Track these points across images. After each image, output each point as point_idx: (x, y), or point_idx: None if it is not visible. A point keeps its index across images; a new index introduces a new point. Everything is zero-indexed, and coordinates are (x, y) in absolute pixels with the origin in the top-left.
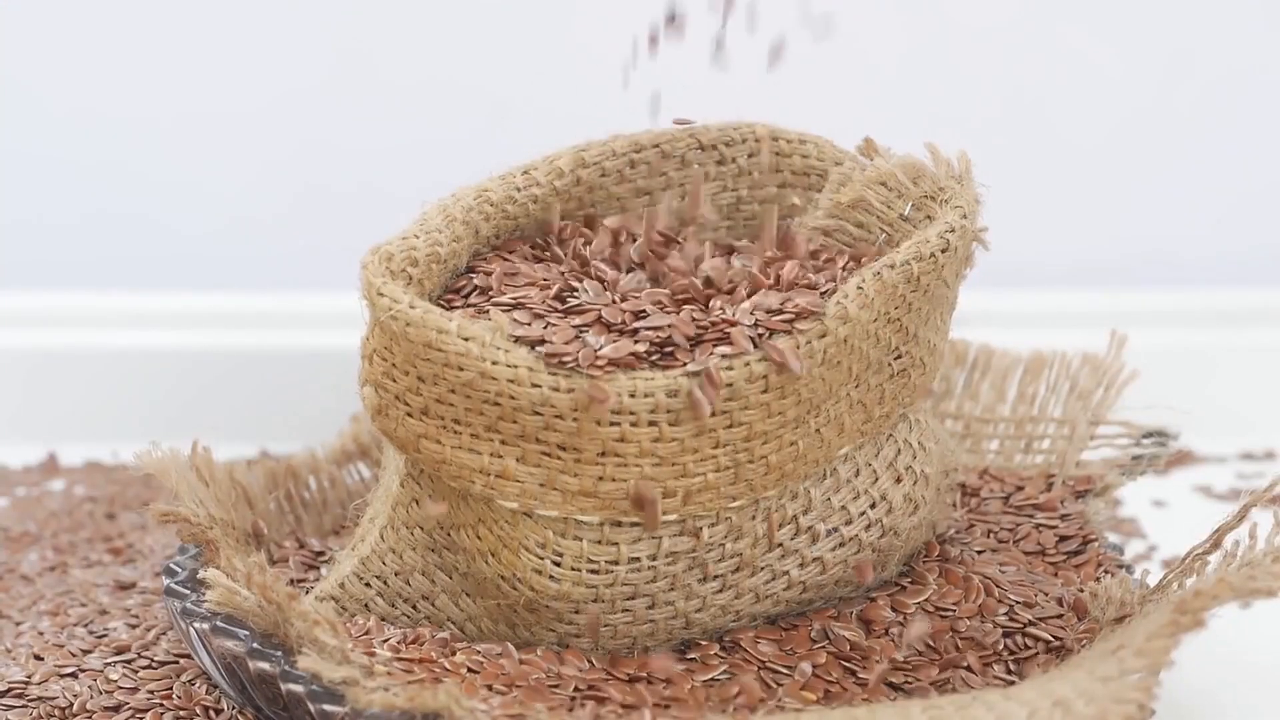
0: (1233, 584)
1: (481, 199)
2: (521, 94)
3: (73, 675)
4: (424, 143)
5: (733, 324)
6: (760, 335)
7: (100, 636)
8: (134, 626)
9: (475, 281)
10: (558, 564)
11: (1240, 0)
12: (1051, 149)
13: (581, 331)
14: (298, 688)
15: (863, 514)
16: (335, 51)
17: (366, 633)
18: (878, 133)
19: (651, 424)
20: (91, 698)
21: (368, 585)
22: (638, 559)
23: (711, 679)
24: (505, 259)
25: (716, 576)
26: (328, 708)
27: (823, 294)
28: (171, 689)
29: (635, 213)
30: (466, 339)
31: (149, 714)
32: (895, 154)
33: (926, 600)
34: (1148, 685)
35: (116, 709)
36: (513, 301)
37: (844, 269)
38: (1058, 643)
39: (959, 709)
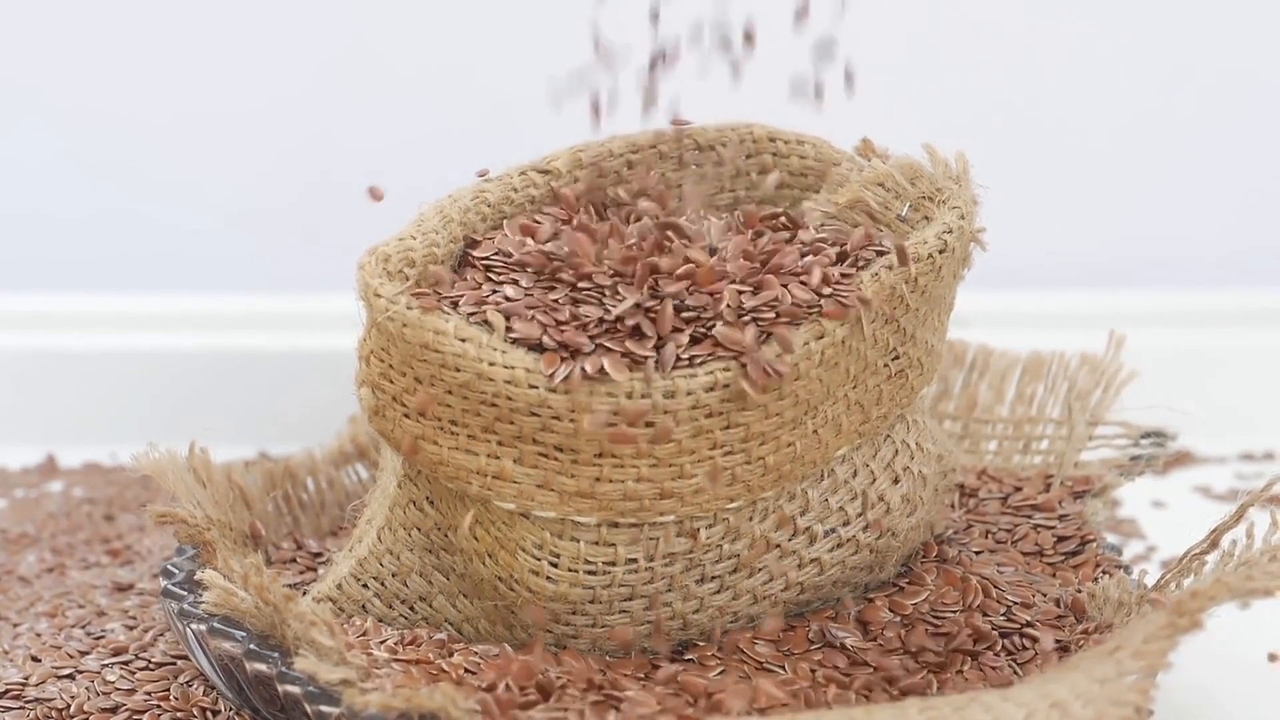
0: (1230, 584)
1: (478, 200)
2: (520, 94)
3: (70, 676)
4: (422, 144)
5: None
6: (761, 338)
7: (98, 638)
8: (131, 628)
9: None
10: (555, 565)
11: (1240, 2)
12: (1049, 150)
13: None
14: (295, 689)
15: (860, 515)
16: (334, 56)
17: (364, 634)
18: (875, 133)
19: (648, 425)
20: (89, 699)
21: (365, 586)
22: (635, 560)
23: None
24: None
25: (714, 578)
26: (325, 709)
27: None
28: (169, 690)
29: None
30: (464, 340)
31: (146, 715)
32: (893, 154)
33: (924, 601)
34: (1145, 687)
35: (114, 710)
36: (509, 302)
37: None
38: (1056, 644)
39: (956, 710)
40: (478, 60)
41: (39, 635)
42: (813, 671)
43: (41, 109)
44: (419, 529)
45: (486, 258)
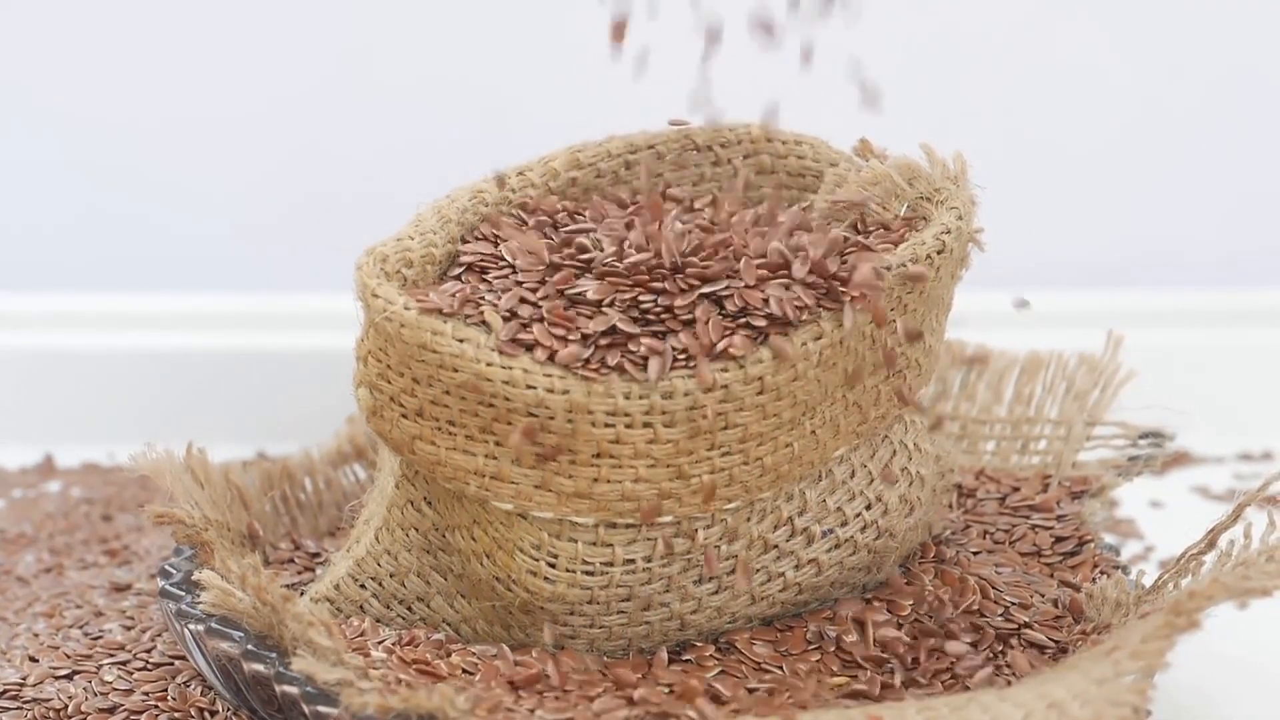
0: (1227, 584)
1: (476, 200)
2: (517, 95)
3: (68, 677)
4: (419, 145)
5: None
6: (758, 337)
7: (96, 638)
8: (129, 628)
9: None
10: (553, 565)
11: (1239, 2)
12: (1047, 150)
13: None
14: (292, 689)
15: (858, 515)
16: (332, 54)
17: (361, 634)
18: (874, 134)
19: (646, 425)
20: (86, 699)
21: (363, 587)
22: (633, 560)
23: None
24: (497, 251)
25: (712, 578)
26: (322, 709)
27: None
28: (166, 691)
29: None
30: (461, 340)
31: (144, 715)
32: (891, 155)
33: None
34: (1143, 687)
35: (111, 710)
36: (508, 306)
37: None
38: (1054, 645)
39: (954, 710)
40: (476, 63)
41: (37, 635)
42: (810, 672)
43: (42, 112)
44: (417, 529)
45: (482, 257)
